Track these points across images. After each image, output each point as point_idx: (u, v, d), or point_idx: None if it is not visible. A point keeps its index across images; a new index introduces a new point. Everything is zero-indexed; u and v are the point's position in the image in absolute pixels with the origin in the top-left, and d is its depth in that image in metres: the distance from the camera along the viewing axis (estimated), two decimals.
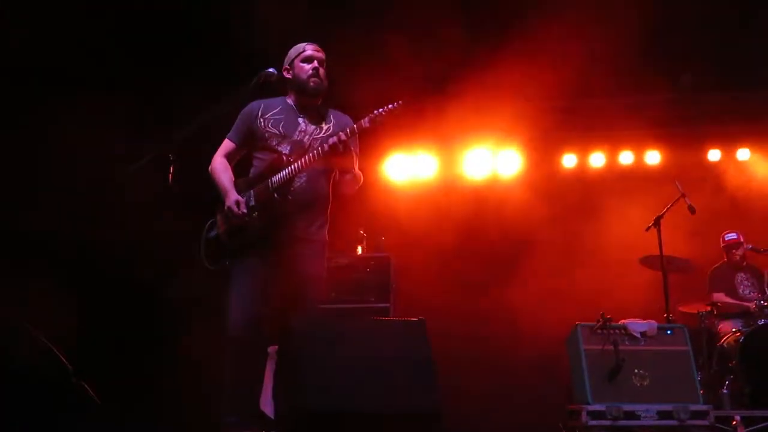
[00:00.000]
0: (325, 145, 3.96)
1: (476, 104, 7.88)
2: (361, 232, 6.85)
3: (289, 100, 4.31)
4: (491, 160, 8.41)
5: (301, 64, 4.22)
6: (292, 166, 4.04)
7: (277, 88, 4.23)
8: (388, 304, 6.26)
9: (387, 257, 6.47)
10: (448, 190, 8.35)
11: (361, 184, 4.27)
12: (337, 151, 3.93)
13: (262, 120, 4.26)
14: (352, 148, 4.14)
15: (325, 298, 4.33)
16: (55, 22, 5.72)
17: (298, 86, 4.25)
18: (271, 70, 4.04)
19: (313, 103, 4.29)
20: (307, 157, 4.01)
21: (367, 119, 3.89)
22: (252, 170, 4.31)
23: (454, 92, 7.77)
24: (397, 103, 3.85)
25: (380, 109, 3.86)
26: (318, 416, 3.22)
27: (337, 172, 4.26)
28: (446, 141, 8.35)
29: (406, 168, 8.47)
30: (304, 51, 4.25)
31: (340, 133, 3.96)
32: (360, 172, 4.25)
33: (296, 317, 3.76)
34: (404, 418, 3.34)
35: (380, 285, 6.33)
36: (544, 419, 6.64)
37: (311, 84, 4.21)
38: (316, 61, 4.22)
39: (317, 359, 3.40)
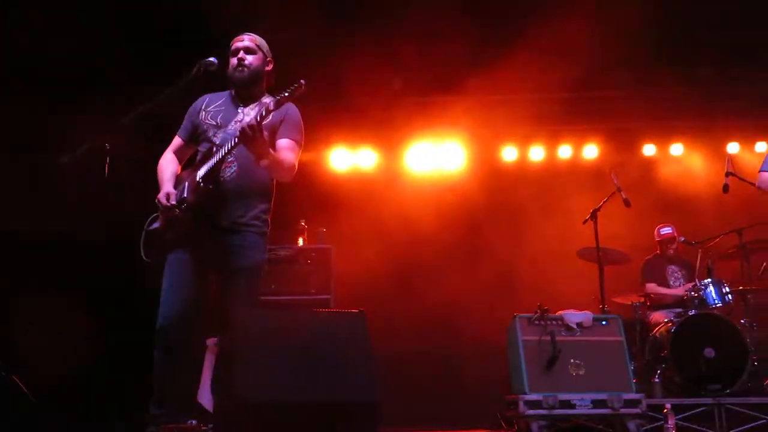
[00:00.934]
0: (237, 132, 3.90)
1: (420, 98, 7.96)
2: (302, 223, 6.82)
3: (232, 92, 4.31)
4: (434, 154, 8.46)
5: (231, 59, 4.24)
6: (216, 156, 4.00)
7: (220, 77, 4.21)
8: (329, 296, 6.25)
9: (328, 249, 6.46)
10: (391, 183, 8.39)
11: (292, 171, 4.14)
12: (246, 136, 3.84)
13: (203, 113, 4.26)
14: (287, 141, 4.12)
15: (264, 289, 4.30)
16: None
17: (229, 79, 4.26)
18: (211, 59, 3.99)
19: (249, 92, 4.25)
20: (228, 145, 3.97)
21: (272, 101, 3.86)
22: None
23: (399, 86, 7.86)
24: (300, 83, 3.83)
25: (284, 91, 3.84)
26: (255, 408, 3.21)
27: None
28: (389, 133, 8.38)
29: (349, 159, 8.48)
30: (231, 44, 4.27)
31: (251, 118, 3.87)
32: (292, 161, 4.14)
33: (235, 309, 3.73)
34: (344, 407, 3.35)
35: (321, 276, 6.31)
36: (483, 409, 6.74)
37: (235, 75, 4.22)
38: (241, 52, 4.22)
39: (255, 351, 3.38)
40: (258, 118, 3.84)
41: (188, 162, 4.38)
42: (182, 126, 4.37)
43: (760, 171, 4.20)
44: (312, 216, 7.08)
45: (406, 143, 8.48)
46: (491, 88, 7.85)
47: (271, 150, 4.03)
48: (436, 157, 8.47)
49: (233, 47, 4.25)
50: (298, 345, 3.49)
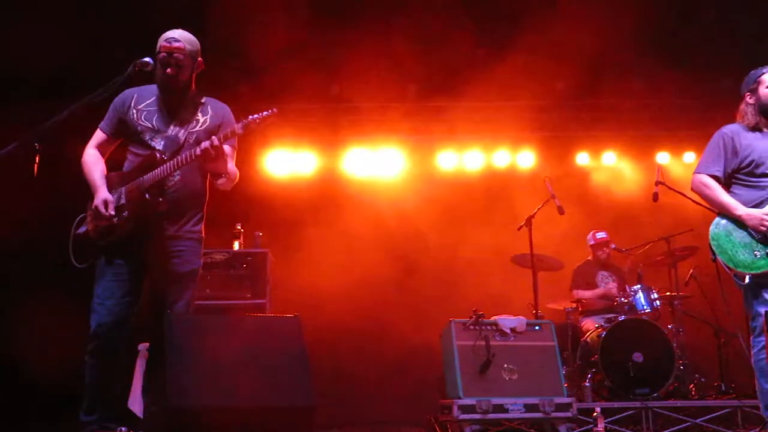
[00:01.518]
0: (198, 149, 3.84)
1: (359, 104, 7.97)
2: (238, 227, 6.75)
3: (162, 92, 4.17)
4: (372, 159, 8.47)
5: (160, 62, 4.02)
6: (166, 166, 3.93)
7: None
8: (264, 301, 6.21)
9: (264, 253, 6.41)
10: (329, 187, 8.37)
11: (236, 180, 4.18)
12: (209, 156, 3.83)
13: (135, 111, 4.13)
14: (228, 148, 4.06)
15: (198, 294, 4.26)
16: None
17: (158, 81, 4.11)
18: (147, 59, 3.89)
19: (181, 95, 4.14)
20: (180, 157, 3.91)
21: (240, 125, 3.83)
22: (126, 164, 4.17)
23: (337, 91, 7.86)
24: (272, 110, 3.82)
25: (254, 116, 3.81)
26: (186, 413, 3.17)
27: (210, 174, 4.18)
28: (328, 138, 8.36)
29: (288, 162, 8.41)
30: (160, 45, 4.05)
31: (214, 138, 3.84)
32: (235, 169, 4.15)
33: (168, 315, 3.68)
34: (278, 411, 3.34)
35: (257, 281, 6.27)
36: (417, 414, 6.78)
37: (166, 82, 4.06)
38: (172, 58, 4.02)
39: (188, 356, 3.34)
40: (223, 138, 3.84)
41: (112, 158, 4.27)
42: (106, 119, 4.22)
43: (694, 173, 4.32)
44: (248, 219, 7.02)
45: (344, 148, 8.46)
46: (429, 94, 7.94)
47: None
48: (374, 162, 8.47)
49: (163, 52, 4.02)
50: (232, 350, 3.47)
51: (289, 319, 3.70)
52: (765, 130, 4.25)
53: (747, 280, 4.02)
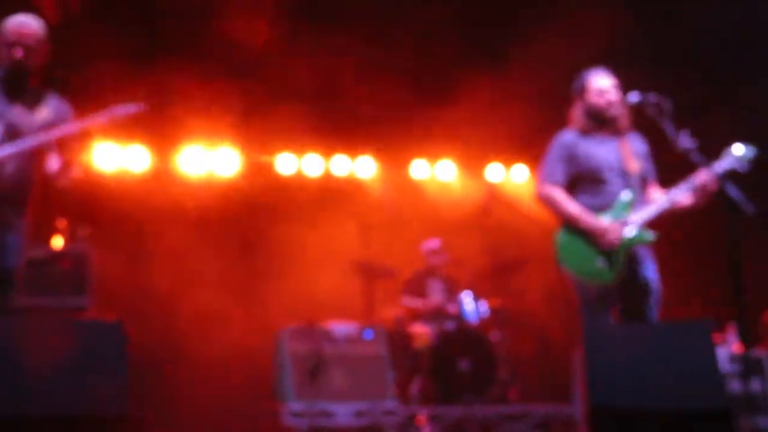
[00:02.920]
0: (43, 136, 3.67)
1: (192, 100, 7.76)
2: (60, 223, 6.34)
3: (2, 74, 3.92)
4: (208, 158, 8.25)
5: (4, 45, 3.80)
6: (3, 152, 3.70)
7: None
8: (85, 303, 5.87)
9: (86, 251, 6.06)
10: (162, 185, 8.06)
11: (77, 178, 3.97)
12: (71, 146, 3.68)
13: None
14: (73, 143, 3.88)
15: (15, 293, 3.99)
16: None
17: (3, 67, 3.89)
18: None
19: (26, 83, 3.90)
20: (21, 144, 3.69)
21: (103, 115, 3.66)
22: None
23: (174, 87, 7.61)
24: (139, 104, 3.65)
25: (120, 108, 3.62)
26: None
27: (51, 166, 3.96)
28: (161, 135, 8.07)
29: (117, 157, 8.02)
30: (6, 30, 3.81)
31: (64, 127, 3.69)
32: (81, 166, 4.01)
33: None
34: (90, 420, 3.15)
35: (78, 281, 5.92)
36: (248, 420, 6.66)
37: (12, 69, 3.82)
38: (19, 45, 3.77)
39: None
40: (75, 131, 3.69)
41: None
42: None
43: (538, 183, 4.17)
44: (70, 215, 6.63)
45: (179, 145, 8.18)
46: (266, 92, 7.86)
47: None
48: (210, 161, 8.26)
49: (10, 36, 3.78)
50: (45, 354, 3.24)
51: (110, 323, 3.50)
52: (598, 135, 4.12)
53: (592, 291, 3.90)
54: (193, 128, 8.02)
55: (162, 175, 8.13)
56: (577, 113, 4.17)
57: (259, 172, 8.48)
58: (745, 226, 3.75)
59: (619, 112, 4.06)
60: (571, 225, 4.01)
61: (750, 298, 3.81)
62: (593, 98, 4.09)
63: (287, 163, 8.52)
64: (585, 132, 4.12)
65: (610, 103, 4.06)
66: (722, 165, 3.85)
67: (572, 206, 4.01)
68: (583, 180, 4.08)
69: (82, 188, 7.32)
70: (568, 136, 4.15)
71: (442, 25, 6.93)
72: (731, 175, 3.86)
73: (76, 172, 3.95)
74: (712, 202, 3.74)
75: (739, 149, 3.93)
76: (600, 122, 4.09)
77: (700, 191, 3.88)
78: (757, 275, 5.36)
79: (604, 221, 3.96)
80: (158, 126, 7.88)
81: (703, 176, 3.83)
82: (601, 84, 4.08)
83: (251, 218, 8.05)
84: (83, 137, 3.88)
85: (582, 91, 4.15)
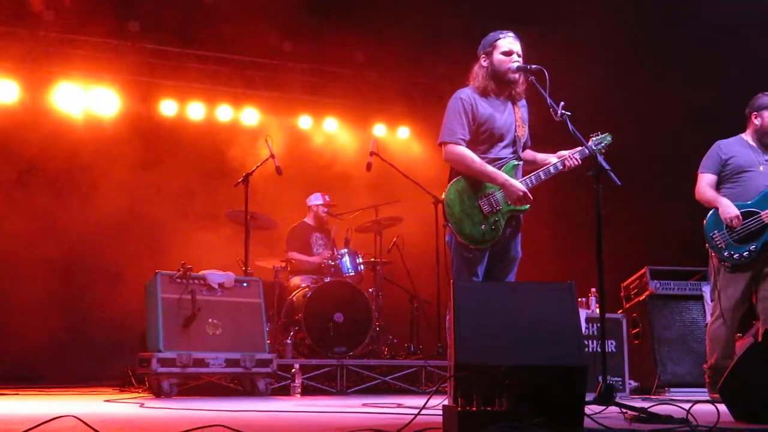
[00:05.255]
0: None
1: (74, 36, 7.42)
2: None
3: None
4: (84, 97, 7.90)
5: None
6: None
7: None
8: None
9: None
10: (34, 120, 7.66)
11: None
12: None
13: None
14: None
15: None
16: None
17: None
18: None
19: None
20: None
21: None
22: None
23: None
24: None
25: None
26: None
27: None
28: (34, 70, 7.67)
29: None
30: None
31: None
32: None
33: None
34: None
35: None
36: (115, 367, 6.56)
37: None
38: None
39: None
40: None
41: None
42: None
43: (443, 143, 4.12)
44: None
45: (53, 81, 7.79)
46: (154, 37, 7.62)
47: None
48: (87, 100, 7.91)
49: None
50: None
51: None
52: (496, 97, 4.13)
53: (468, 251, 3.96)
54: (70, 66, 7.68)
55: (34, 109, 7.75)
56: (478, 69, 4.16)
57: (139, 115, 8.20)
58: (612, 199, 3.95)
59: (519, 78, 4.12)
60: (460, 181, 4.04)
61: (613, 264, 4.04)
62: (500, 59, 4.09)
63: (168, 107, 8.29)
64: (483, 93, 4.12)
65: (513, 68, 4.08)
66: (592, 145, 4.07)
67: (485, 166, 4.02)
68: (482, 142, 4.08)
69: None
70: (466, 94, 4.13)
71: None
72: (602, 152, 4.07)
73: None
74: (584, 175, 3.89)
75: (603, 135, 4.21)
76: (501, 84, 4.11)
77: (571, 162, 4.07)
78: (620, 245, 5.72)
79: (521, 185, 4.00)
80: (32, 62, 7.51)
81: (578, 150, 4.03)
82: (511, 47, 4.10)
83: (131, 161, 7.78)
84: None
85: (490, 48, 4.14)
